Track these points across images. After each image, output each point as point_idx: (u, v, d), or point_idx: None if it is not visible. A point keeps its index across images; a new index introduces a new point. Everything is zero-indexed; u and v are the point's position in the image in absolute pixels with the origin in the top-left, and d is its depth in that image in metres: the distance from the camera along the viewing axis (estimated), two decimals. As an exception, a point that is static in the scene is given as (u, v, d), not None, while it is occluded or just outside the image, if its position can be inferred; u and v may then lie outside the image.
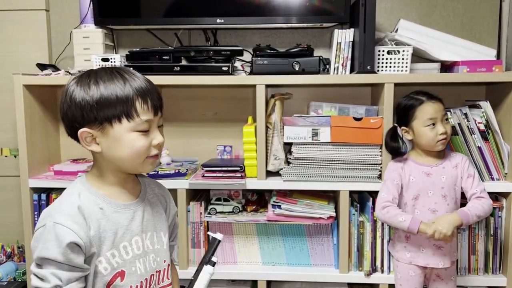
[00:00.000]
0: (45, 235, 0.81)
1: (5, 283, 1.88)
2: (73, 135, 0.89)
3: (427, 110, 1.44)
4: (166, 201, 1.06)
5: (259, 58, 1.66)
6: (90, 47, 1.79)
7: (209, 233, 1.00)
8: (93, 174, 0.93)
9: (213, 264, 0.96)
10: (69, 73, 1.73)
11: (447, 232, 1.35)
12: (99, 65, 1.70)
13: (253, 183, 1.65)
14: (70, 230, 0.81)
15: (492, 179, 1.62)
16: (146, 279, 0.93)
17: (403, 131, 1.52)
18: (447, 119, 1.48)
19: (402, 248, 1.52)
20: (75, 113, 0.86)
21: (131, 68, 0.92)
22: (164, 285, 0.99)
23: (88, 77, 0.86)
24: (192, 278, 0.96)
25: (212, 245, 0.97)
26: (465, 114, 1.60)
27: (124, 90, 0.85)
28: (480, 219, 1.47)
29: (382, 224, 1.64)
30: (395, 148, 1.53)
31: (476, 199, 1.44)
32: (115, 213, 0.89)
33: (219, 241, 0.98)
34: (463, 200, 1.50)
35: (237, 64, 1.85)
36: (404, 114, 1.50)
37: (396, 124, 1.56)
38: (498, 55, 1.82)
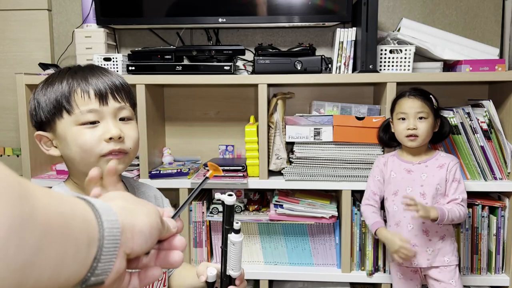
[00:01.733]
0: None
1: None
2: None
3: (401, 103, 1.46)
4: (159, 203, 0.95)
5: (261, 58, 1.66)
6: (92, 46, 1.79)
7: (217, 196, 0.75)
8: (69, 183, 0.85)
9: (236, 231, 0.73)
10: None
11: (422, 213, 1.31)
12: (102, 65, 1.70)
13: (255, 183, 1.65)
14: None
15: (495, 178, 1.61)
16: None
17: (391, 123, 1.53)
18: (421, 118, 1.42)
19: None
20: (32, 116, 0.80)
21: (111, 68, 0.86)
22: None
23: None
24: (223, 251, 0.78)
25: (224, 212, 0.74)
26: (468, 113, 1.59)
27: (67, 82, 0.76)
28: (451, 224, 1.45)
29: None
30: (381, 139, 1.57)
31: (455, 204, 1.41)
32: None
33: (231, 205, 0.73)
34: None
35: (239, 63, 1.85)
36: (391, 106, 1.53)
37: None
38: (501, 54, 1.81)
